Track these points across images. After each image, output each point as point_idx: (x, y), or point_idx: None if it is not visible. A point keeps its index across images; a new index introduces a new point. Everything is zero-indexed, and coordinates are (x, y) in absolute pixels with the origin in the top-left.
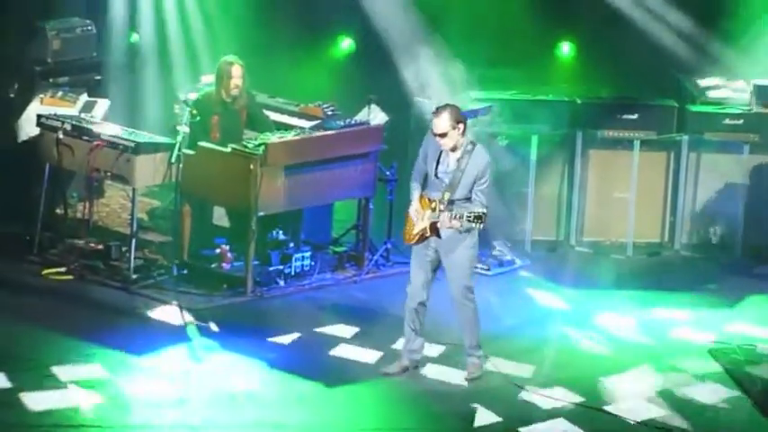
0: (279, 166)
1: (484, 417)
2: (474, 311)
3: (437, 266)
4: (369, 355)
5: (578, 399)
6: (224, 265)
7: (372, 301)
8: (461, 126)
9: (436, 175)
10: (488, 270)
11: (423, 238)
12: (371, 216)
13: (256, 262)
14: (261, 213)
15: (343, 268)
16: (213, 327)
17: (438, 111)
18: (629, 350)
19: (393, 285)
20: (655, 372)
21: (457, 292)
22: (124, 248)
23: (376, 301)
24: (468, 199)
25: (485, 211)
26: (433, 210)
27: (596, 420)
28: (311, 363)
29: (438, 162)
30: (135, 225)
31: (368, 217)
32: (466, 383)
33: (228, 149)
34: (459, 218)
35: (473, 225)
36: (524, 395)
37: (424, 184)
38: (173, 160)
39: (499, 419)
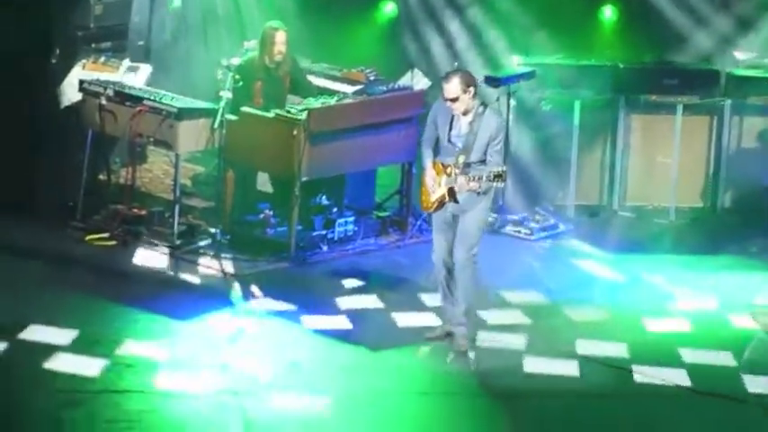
0: (322, 131)
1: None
2: (474, 276)
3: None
4: (413, 320)
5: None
6: (267, 230)
7: (416, 265)
8: (472, 90)
9: (449, 140)
10: (531, 234)
11: (441, 204)
12: (414, 181)
13: (300, 227)
14: (304, 179)
15: (386, 233)
16: (257, 292)
17: (448, 76)
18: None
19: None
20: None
21: (462, 253)
22: (167, 214)
23: (420, 266)
24: (483, 161)
25: (504, 168)
26: (449, 175)
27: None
28: (355, 329)
29: (450, 127)
30: (178, 191)
31: (411, 182)
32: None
33: (271, 115)
34: (478, 179)
35: (493, 184)
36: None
37: (436, 151)
38: (215, 126)
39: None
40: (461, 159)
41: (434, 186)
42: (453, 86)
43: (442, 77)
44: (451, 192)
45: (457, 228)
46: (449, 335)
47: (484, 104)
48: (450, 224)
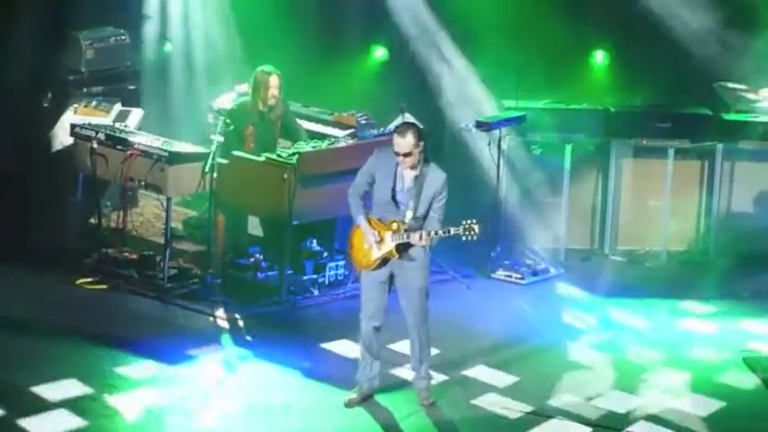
0: (313, 175)
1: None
2: (429, 330)
3: (390, 288)
4: (405, 364)
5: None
6: (258, 274)
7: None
8: (422, 144)
9: (393, 196)
10: (522, 279)
11: (384, 261)
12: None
13: (290, 271)
14: (295, 222)
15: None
16: (247, 336)
17: (401, 130)
18: (663, 361)
19: (430, 294)
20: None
21: (416, 311)
22: (158, 258)
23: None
24: (424, 217)
25: (475, 221)
26: (395, 230)
27: None
28: (346, 372)
29: (394, 183)
30: (169, 234)
31: None
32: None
33: (262, 158)
34: (446, 232)
35: (463, 237)
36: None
37: (366, 204)
38: (207, 169)
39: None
40: (409, 215)
41: (374, 243)
42: (407, 141)
43: (394, 131)
44: (399, 248)
45: (396, 285)
46: (367, 398)
47: (427, 159)
48: (384, 283)
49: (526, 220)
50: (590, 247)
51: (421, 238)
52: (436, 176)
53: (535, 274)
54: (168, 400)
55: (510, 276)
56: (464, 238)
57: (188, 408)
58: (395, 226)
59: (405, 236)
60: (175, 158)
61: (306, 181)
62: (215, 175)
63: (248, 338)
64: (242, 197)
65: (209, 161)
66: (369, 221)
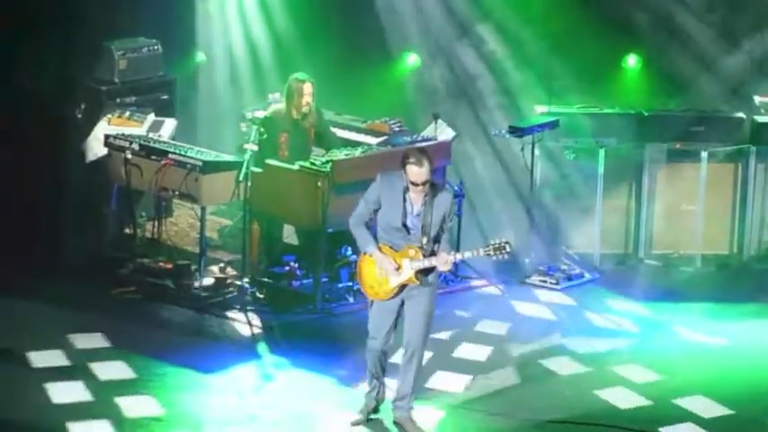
0: (347, 182)
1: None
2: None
3: (398, 316)
4: (442, 375)
5: None
6: (293, 282)
7: (444, 316)
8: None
9: (404, 222)
10: (557, 284)
11: (401, 289)
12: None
13: (325, 279)
14: (329, 230)
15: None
16: (283, 344)
17: (417, 160)
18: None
19: (463, 301)
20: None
21: (420, 336)
22: (193, 267)
23: (448, 317)
24: (435, 239)
25: (506, 240)
26: (413, 257)
27: None
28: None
29: (404, 209)
30: (204, 244)
31: None
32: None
33: (296, 167)
34: (475, 252)
35: (494, 257)
36: None
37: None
38: (241, 178)
39: None
40: (425, 240)
41: (390, 271)
42: (426, 170)
43: (410, 161)
44: (418, 274)
45: (404, 311)
46: (372, 412)
47: (432, 182)
48: (395, 311)
49: (560, 225)
50: (624, 252)
51: (446, 261)
52: (444, 196)
53: (570, 278)
54: (205, 410)
55: (545, 282)
56: (494, 258)
57: (224, 417)
58: (412, 252)
59: (425, 261)
60: (209, 168)
61: (340, 188)
62: (249, 183)
63: (284, 347)
64: (276, 205)
65: (243, 170)
66: (382, 248)
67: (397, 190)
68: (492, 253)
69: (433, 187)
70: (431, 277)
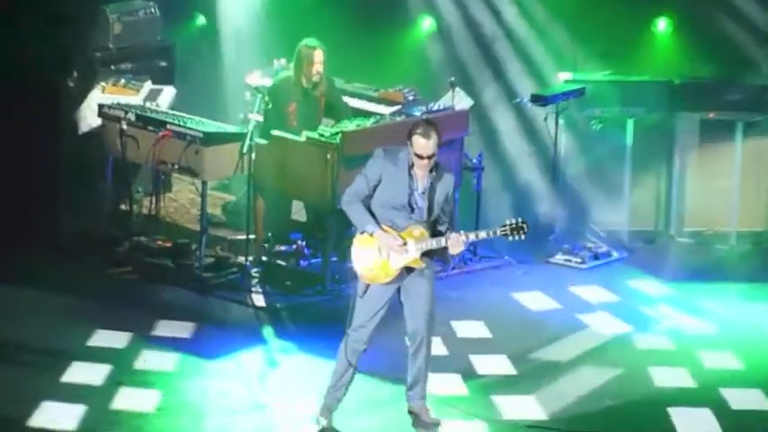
0: (358, 155)
1: None
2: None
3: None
4: (477, 359)
5: None
6: (301, 262)
7: (461, 299)
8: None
9: (410, 202)
10: (582, 263)
11: (400, 273)
12: (457, 208)
13: (335, 258)
14: (339, 206)
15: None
16: (290, 327)
17: (425, 131)
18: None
19: (482, 281)
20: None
21: (423, 325)
22: (194, 246)
23: (465, 300)
24: (436, 220)
25: (523, 219)
26: (418, 237)
27: None
28: (394, 364)
29: (410, 187)
30: (205, 221)
31: (454, 209)
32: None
33: (303, 138)
34: (491, 233)
35: (509, 238)
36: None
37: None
38: (244, 151)
39: None
40: (430, 219)
41: (400, 250)
42: (433, 142)
43: (417, 132)
44: (423, 257)
45: (401, 298)
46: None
47: (437, 162)
48: (389, 298)
49: (586, 200)
50: (655, 229)
51: (458, 242)
52: (448, 177)
53: (596, 257)
54: (207, 398)
55: (569, 261)
56: (510, 239)
57: (227, 405)
58: (417, 233)
59: (434, 242)
60: (211, 139)
61: (350, 161)
62: (253, 156)
63: (290, 330)
64: (282, 180)
65: (247, 142)
66: (383, 229)
67: (401, 166)
68: (508, 233)
69: (437, 167)
70: (429, 260)
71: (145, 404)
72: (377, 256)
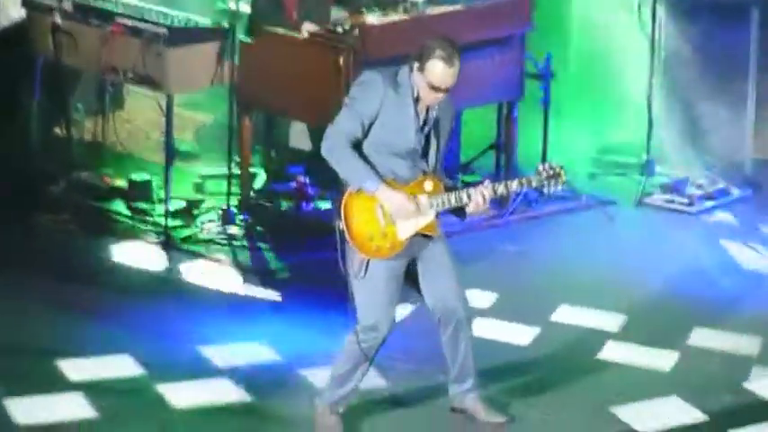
0: (381, 59)
1: None
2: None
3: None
4: (511, 331)
5: None
6: (303, 205)
7: (521, 253)
8: None
9: (418, 145)
10: (691, 205)
11: (408, 243)
12: (517, 129)
13: None
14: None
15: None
16: (286, 295)
17: (451, 55)
18: None
19: (549, 230)
20: None
21: (458, 301)
22: (156, 184)
23: (526, 254)
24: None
25: (561, 165)
26: (431, 192)
27: None
28: (426, 342)
29: (417, 126)
30: (171, 150)
31: (512, 131)
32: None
33: (304, 35)
34: (522, 184)
35: (545, 191)
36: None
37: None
38: (225, 54)
39: None
40: (437, 166)
41: (413, 214)
42: (456, 71)
43: (437, 55)
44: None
45: (420, 272)
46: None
47: None
48: (400, 276)
49: (695, 118)
50: None
51: (483, 197)
52: (449, 107)
53: (709, 197)
54: (175, 394)
55: (672, 202)
56: (545, 191)
57: (203, 388)
58: (429, 185)
59: (452, 198)
60: (178, 38)
61: (372, 68)
62: (236, 61)
63: (287, 299)
64: (277, 94)
65: (228, 41)
66: (387, 182)
67: (404, 94)
68: (546, 182)
69: None
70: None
71: (73, 410)
72: (380, 222)
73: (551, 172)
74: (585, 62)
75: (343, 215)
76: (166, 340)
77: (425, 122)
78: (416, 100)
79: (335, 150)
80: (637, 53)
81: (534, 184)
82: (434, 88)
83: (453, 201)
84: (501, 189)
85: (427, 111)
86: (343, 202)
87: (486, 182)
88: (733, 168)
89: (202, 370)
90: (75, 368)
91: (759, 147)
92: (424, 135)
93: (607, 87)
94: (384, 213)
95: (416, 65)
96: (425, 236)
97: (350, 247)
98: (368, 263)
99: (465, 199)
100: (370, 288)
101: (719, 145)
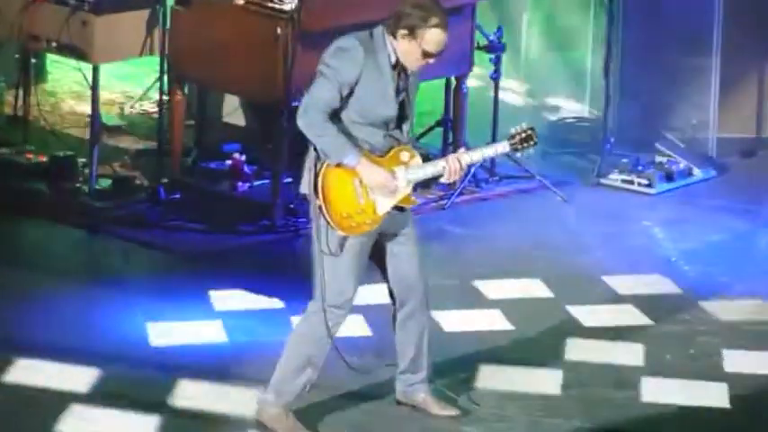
0: (323, 30)
1: None
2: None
3: None
4: (459, 322)
5: None
6: (238, 184)
7: (472, 237)
8: None
9: (399, 113)
10: (650, 186)
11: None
12: (467, 104)
13: (290, 180)
14: (294, 104)
15: (424, 187)
16: (224, 281)
17: (445, 21)
18: None
19: (501, 212)
20: None
21: (419, 282)
22: (81, 162)
23: (479, 237)
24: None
25: (525, 125)
26: (407, 162)
27: None
28: (381, 337)
29: (397, 90)
30: (97, 125)
31: (461, 106)
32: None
33: (241, 1)
34: (510, 146)
35: (518, 154)
36: None
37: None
38: (156, 22)
39: None
40: (409, 135)
41: (393, 188)
42: (445, 37)
43: (433, 22)
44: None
45: (387, 247)
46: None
47: None
48: (368, 251)
49: (654, 92)
50: (756, 135)
51: (457, 166)
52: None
53: (670, 177)
54: (98, 380)
55: (631, 182)
56: (519, 155)
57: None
58: (406, 155)
59: (429, 169)
60: (106, 4)
61: (311, 39)
62: (168, 30)
63: (223, 289)
64: (211, 65)
65: (160, 8)
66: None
67: (383, 62)
68: (519, 146)
69: None
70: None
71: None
72: (358, 198)
73: (524, 135)
74: (539, 34)
75: (320, 192)
76: (91, 327)
77: (399, 90)
78: (393, 66)
79: (315, 125)
80: (594, 25)
81: (508, 148)
82: (428, 55)
83: (430, 171)
84: (477, 155)
85: (399, 77)
86: (320, 178)
87: (462, 149)
88: (695, 147)
89: (128, 355)
90: None
91: (723, 125)
92: (399, 103)
93: (561, 61)
94: (363, 188)
95: (402, 32)
96: (399, 208)
97: (325, 224)
98: (345, 239)
99: (440, 168)
100: (341, 265)
101: (682, 122)
